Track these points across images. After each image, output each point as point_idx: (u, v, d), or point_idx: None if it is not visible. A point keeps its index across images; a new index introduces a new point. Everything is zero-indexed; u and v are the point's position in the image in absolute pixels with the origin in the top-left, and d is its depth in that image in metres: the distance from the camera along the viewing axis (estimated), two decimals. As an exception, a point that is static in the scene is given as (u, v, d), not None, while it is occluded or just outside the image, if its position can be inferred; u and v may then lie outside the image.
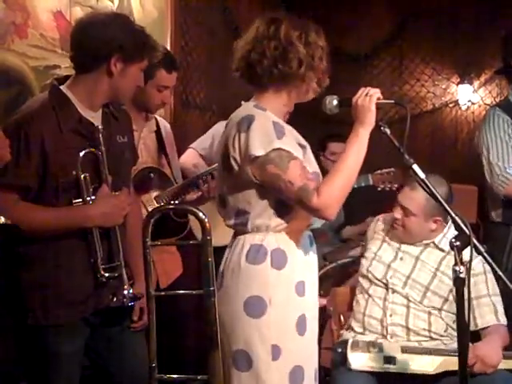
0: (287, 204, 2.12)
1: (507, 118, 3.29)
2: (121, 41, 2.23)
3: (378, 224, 2.97)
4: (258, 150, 2.04)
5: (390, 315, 2.76)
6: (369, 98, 2.07)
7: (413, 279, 2.76)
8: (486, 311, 2.69)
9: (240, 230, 2.18)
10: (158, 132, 3.13)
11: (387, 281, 2.79)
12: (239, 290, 2.13)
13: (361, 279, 2.88)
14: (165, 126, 3.21)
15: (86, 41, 2.25)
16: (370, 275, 2.83)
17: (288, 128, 2.16)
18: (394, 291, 2.77)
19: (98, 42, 2.23)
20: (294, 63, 2.11)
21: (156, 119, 3.16)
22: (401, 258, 2.82)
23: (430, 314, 2.74)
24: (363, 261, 2.91)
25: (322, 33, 2.18)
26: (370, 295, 2.82)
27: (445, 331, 2.75)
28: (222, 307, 2.15)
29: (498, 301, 2.73)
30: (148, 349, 2.06)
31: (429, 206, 2.67)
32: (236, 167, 2.11)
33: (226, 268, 2.18)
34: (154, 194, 3.00)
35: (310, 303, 2.22)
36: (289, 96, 2.19)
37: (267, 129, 2.07)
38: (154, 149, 3.10)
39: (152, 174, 2.98)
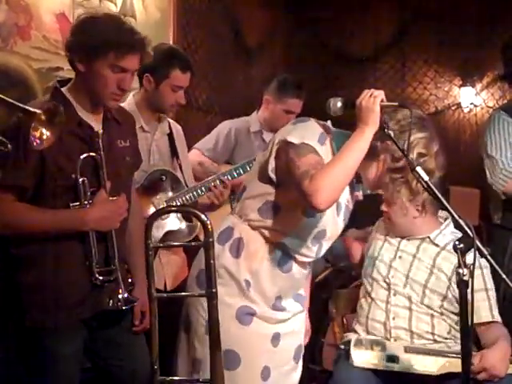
0: (273, 209, 2.19)
1: (511, 120, 3.29)
2: (77, 40, 2.25)
3: (379, 224, 2.98)
4: (293, 138, 2.12)
5: (393, 318, 2.75)
6: (373, 100, 2.06)
7: (411, 278, 2.77)
8: (481, 306, 2.68)
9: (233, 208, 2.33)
10: (171, 135, 3.13)
11: (389, 280, 2.79)
12: (198, 261, 2.28)
13: (364, 280, 2.88)
14: (177, 128, 3.20)
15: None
16: (374, 274, 2.83)
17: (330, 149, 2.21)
18: (395, 293, 2.77)
19: (66, 43, 2.30)
20: None
21: (169, 122, 3.15)
22: (399, 257, 2.82)
23: (432, 316, 2.73)
24: (366, 261, 2.91)
25: None
26: (372, 298, 2.81)
27: (448, 333, 2.74)
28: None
29: (493, 296, 2.72)
30: (150, 351, 2.05)
31: None
32: (269, 150, 2.21)
33: (193, 268, 2.34)
34: (165, 196, 2.99)
35: (259, 302, 2.23)
36: None
37: (312, 131, 2.17)
38: (166, 152, 3.09)
39: (164, 177, 2.98)
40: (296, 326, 2.37)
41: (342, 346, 2.79)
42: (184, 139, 3.24)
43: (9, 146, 1.82)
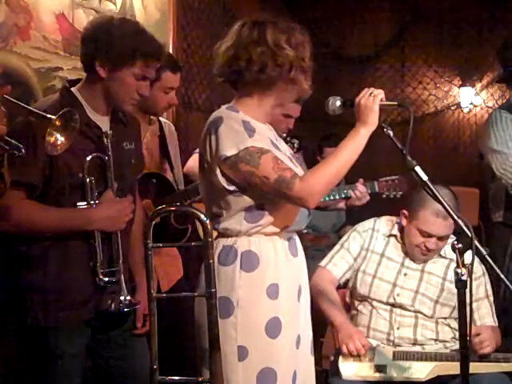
0: (258, 209, 2.11)
1: None
2: (103, 45, 2.24)
3: (375, 236, 2.81)
4: (229, 150, 2.03)
5: (398, 328, 2.68)
6: (372, 98, 2.05)
7: (422, 293, 2.69)
8: (485, 313, 2.68)
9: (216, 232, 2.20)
10: (162, 136, 3.11)
11: (394, 300, 2.69)
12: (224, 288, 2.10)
13: (356, 302, 2.76)
14: (169, 127, 3.18)
15: (81, 45, 2.30)
16: (371, 294, 2.71)
17: (262, 126, 2.14)
18: (401, 305, 2.69)
19: (85, 46, 2.28)
20: (285, 67, 2.10)
21: (160, 122, 3.13)
22: (405, 274, 2.72)
23: (437, 323, 2.69)
24: (359, 276, 2.76)
25: (305, 31, 2.17)
26: (373, 307, 2.72)
27: (452, 338, 2.70)
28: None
29: (492, 301, 2.72)
30: (150, 351, 2.06)
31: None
32: (208, 170, 2.12)
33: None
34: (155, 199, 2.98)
35: (286, 306, 2.16)
36: (276, 98, 2.17)
37: (236, 129, 2.05)
38: (156, 153, 3.06)
39: (154, 180, 2.96)
40: (308, 320, 2.30)
41: (332, 358, 2.72)
42: (176, 139, 3.22)
43: (23, 150, 1.81)
